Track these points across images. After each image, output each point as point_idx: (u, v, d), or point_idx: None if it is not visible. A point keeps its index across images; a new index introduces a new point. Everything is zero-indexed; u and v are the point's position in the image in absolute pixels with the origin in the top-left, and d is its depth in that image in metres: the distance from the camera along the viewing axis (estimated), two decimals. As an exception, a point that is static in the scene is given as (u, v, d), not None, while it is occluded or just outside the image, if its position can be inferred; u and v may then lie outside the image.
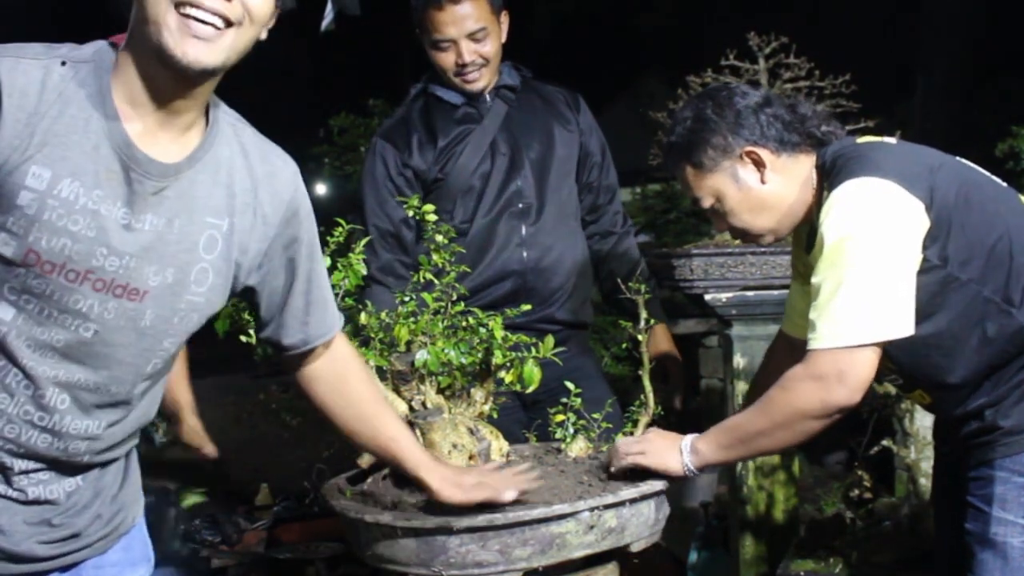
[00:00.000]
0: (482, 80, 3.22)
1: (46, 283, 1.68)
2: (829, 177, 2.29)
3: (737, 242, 3.75)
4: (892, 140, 2.40)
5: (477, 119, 3.27)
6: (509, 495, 2.13)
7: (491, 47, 3.18)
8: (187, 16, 1.68)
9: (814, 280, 2.20)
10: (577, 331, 3.35)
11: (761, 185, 2.38)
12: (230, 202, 1.84)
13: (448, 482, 2.15)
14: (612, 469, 2.37)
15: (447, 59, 3.18)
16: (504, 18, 3.22)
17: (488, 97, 3.28)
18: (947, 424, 2.41)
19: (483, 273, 3.17)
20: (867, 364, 2.15)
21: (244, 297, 1.98)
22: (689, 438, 2.35)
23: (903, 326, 2.14)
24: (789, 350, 2.62)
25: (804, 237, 2.48)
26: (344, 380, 2.12)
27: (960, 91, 8.36)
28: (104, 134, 1.70)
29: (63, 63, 1.70)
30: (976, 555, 2.28)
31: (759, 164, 2.37)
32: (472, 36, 3.13)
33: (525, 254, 3.23)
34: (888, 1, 9.20)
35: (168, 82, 1.74)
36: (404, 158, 3.23)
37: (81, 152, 1.68)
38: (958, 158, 2.38)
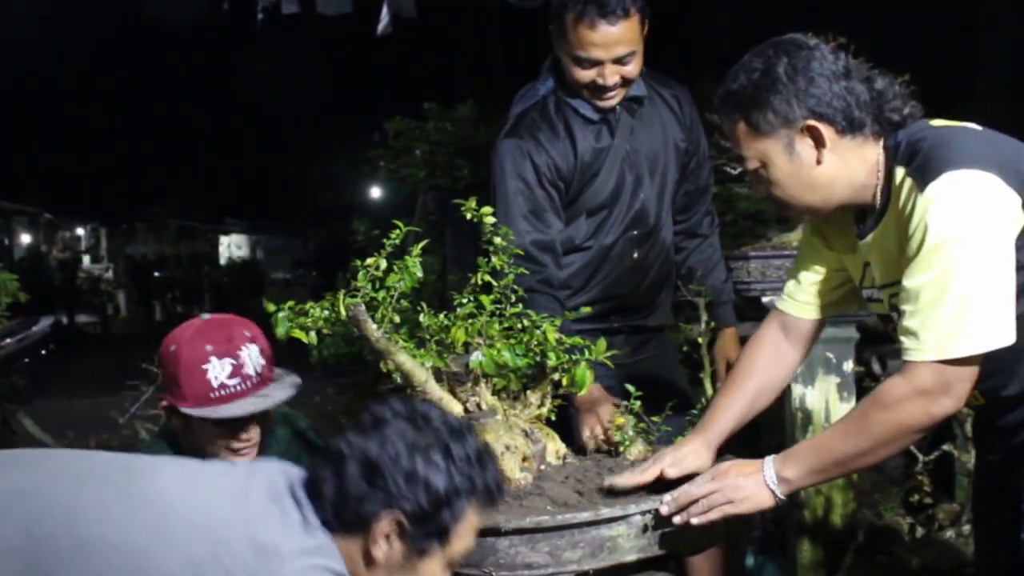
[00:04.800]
0: (617, 99, 3.02)
1: None
2: (908, 159, 2.09)
3: (795, 244, 3.73)
4: (974, 126, 2.18)
5: (611, 135, 3.09)
6: None
7: (635, 68, 2.96)
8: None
9: (909, 283, 2.02)
10: (659, 332, 3.35)
11: (815, 164, 2.14)
12: None
13: None
14: (695, 521, 2.17)
15: (585, 76, 2.95)
16: (646, 27, 2.96)
17: (618, 109, 3.08)
18: (1000, 430, 2.27)
19: (590, 291, 3.13)
20: (972, 372, 2.02)
21: None
22: (771, 467, 2.18)
23: (1009, 333, 2.00)
24: (781, 329, 2.49)
25: (852, 218, 2.29)
26: None
27: (1020, 90, 8.24)
28: None
29: None
30: None
31: (819, 142, 2.13)
32: (619, 60, 2.91)
33: (634, 278, 3.19)
34: (947, 1, 9.09)
35: None
36: (557, 164, 3.04)
37: None
38: None
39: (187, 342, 2.40)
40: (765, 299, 3.66)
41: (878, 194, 2.17)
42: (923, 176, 2.02)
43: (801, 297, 2.48)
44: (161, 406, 2.47)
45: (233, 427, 2.43)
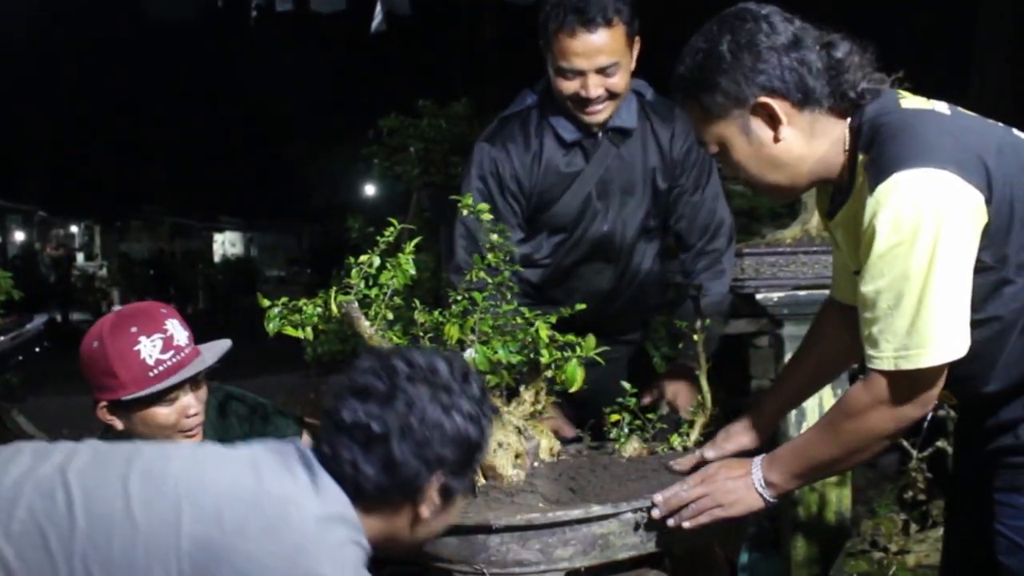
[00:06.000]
0: (604, 114, 2.95)
1: None
2: (868, 146, 1.98)
3: (789, 242, 3.73)
4: (943, 107, 2.05)
5: (584, 161, 3.04)
6: None
7: (620, 80, 2.89)
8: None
9: (864, 288, 1.94)
10: (626, 344, 3.31)
11: (774, 142, 2.03)
12: None
13: None
14: (687, 525, 2.17)
15: (569, 87, 2.90)
16: (636, 45, 2.91)
17: (600, 136, 3.02)
18: (975, 433, 2.17)
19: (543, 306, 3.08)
20: (935, 381, 1.96)
21: None
22: (758, 471, 2.17)
23: (964, 344, 1.92)
24: (840, 315, 2.39)
25: (827, 197, 2.20)
26: None
27: (1016, 89, 8.25)
28: None
29: None
30: None
31: (774, 119, 2.01)
32: (602, 71, 2.86)
33: (601, 305, 3.10)
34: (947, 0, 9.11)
35: None
36: (520, 178, 3.03)
37: None
38: (1015, 131, 2.07)
39: (110, 333, 2.39)
40: (759, 296, 3.66)
41: (845, 173, 2.07)
42: (875, 174, 1.92)
43: (840, 283, 2.40)
44: (100, 409, 2.43)
45: (178, 402, 2.43)
